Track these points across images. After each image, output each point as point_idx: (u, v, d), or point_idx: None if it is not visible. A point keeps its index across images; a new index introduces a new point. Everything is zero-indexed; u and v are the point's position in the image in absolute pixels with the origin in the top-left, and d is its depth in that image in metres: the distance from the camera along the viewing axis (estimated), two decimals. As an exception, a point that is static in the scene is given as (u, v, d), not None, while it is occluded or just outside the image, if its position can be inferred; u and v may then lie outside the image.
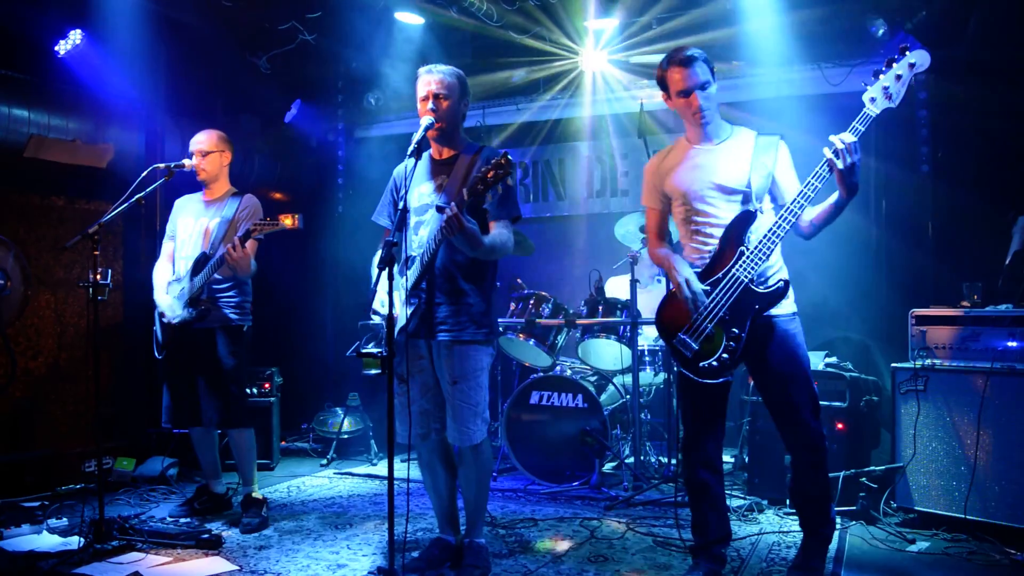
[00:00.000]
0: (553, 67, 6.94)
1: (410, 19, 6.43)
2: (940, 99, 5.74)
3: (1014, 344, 4.15)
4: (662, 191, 3.58)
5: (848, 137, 3.12)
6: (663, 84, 3.48)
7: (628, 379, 5.66)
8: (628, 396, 5.68)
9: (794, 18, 5.73)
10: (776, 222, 3.26)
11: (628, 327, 5.54)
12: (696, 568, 3.51)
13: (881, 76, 3.15)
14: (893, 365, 4.50)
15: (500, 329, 5.14)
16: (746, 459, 5.17)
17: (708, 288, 3.33)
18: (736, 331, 3.28)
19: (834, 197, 3.26)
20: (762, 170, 3.38)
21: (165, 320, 4.59)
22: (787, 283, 3.31)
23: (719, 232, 3.39)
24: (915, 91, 5.88)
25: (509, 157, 3.22)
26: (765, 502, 4.77)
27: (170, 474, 5.57)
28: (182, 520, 4.56)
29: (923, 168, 5.83)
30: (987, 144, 5.47)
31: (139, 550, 4.05)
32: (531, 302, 5.74)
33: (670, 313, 3.48)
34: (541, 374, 5.68)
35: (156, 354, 4.71)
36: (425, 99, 3.57)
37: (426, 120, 3.53)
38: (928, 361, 4.36)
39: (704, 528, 3.52)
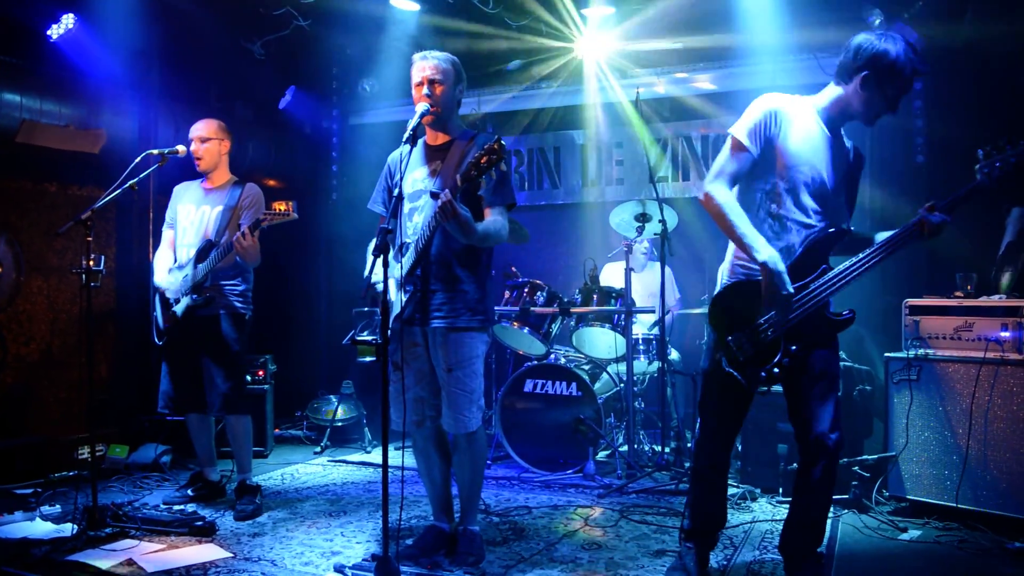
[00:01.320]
0: (549, 55, 6.93)
1: (405, 5, 6.40)
2: (935, 90, 5.74)
3: (1007, 334, 4.16)
4: (772, 141, 3.14)
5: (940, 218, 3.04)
6: (896, 72, 3.05)
7: (622, 368, 5.67)
8: (622, 385, 5.69)
9: (790, 7, 5.71)
10: (863, 259, 3.08)
11: (622, 315, 5.54)
12: (689, 552, 3.46)
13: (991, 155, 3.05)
14: (886, 354, 4.52)
15: (495, 316, 5.13)
16: (739, 448, 5.18)
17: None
18: (795, 348, 3.07)
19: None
20: (851, 184, 3.28)
21: (170, 302, 4.58)
22: (854, 314, 3.12)
23: (799, 227, 3.16)
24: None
25: (503, 142, 3.20)
26: (758, 490, 4.79)
27: (163, 461, 5.56)
28: (176, 507, 4.56)
29: (918, 158, 5.83)
30: (982, 135, 5.45)
31: (133, 537, 4.04)
32: (526, 290, 5.74)
33: (734, 306, 3.19)
34: (535, 362, 5.68)
35: (156, 340, 4.69)
36: (420, 85, 3.56)
37: (421, 107, 3.52)
38: (921, 351, 4.38)
39: (701, 515, 3.46)
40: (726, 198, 3.11)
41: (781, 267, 3.02)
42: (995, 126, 5.17)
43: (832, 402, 3.18)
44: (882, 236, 3.16)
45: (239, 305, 4.63)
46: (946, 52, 5.47)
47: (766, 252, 3.03)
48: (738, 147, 3.14)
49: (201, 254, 4.49)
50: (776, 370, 3.07)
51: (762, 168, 3.17)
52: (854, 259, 3.10)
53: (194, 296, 4.48)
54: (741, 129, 3.14)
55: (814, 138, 3.17)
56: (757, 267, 3.06)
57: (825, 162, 3.17)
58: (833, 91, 3.21)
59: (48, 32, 5.53)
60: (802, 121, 3.16)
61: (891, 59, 3.03)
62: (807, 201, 3.16)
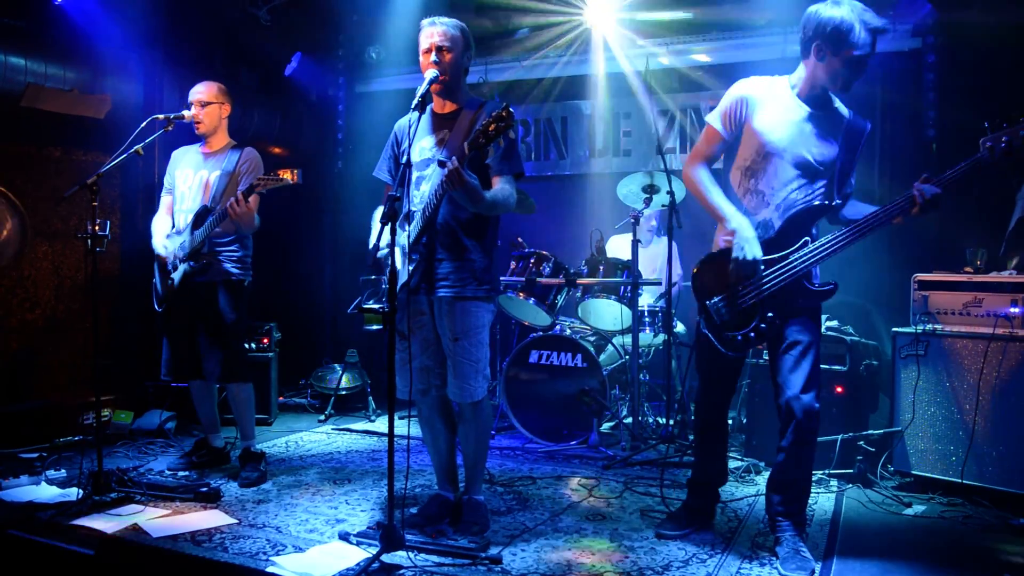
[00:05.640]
0: (558, 23, 6.86)
1: (412, -29, 6.34)
2: (948, 62, 5.67)
3: (1016, 310, 4.13)
4: (744, 124, 3.33)
5: (933, 190, 3.10)
6: (843, 36, 3.10)
7: (627, 339, 5.66)
8: (627, 356, 5.68)
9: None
10: (849, 231, 3.18)
11: (629, 287, 5.52)
12: (686, 501, 3.81)
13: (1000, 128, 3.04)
14: (894, 329, 4.49)
15: (501, 287, 5.11)
16: (744, 421, 5.18)
17: (764, 262, 3.25)
18: (772, 315, 3.24)
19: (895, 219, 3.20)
20: (847, 156, 3.28)
21: (168, 269, 4.56)
22: (837, 286, 3.25)
23: (777, 202, 3.31)
24: (923, 54, 5.82)
25: (510, 109, 3.16)
26: (762, 464, 4.78)
27: (168, 427, 5.58)
28: (180, 473, 4.56)
29: (928, 132, 5.77)
30: (994, 108, 5.38)
31: (138, 502, 4.06)
32: (531, 261, 5.71)
33: (712, 273, 3.41)
34: (540, 333, 5.67)
35: (156, 307, 4.68)
36: (428, 51, 3.51)
37: (430, 73, 3.47)
38: (929, 326, 4.36)
39: (698, 466, 3.78)
40: (700, 174, 3.39)
41: (749, 233, 3.23)
42: (1006, 96, 5.12)
43: (805, 369, 3.25)
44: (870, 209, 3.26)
45: (237, 271, 4.59)
46: (959, 23, 5.40)
47: (736, 219, 3.27)
48: (712, 132, 3.41)
49: (197, 220, 4.45)
50: (752, 335, 3.26)
51: (739, 149, 3.40)
52: (838, 232, 3.21)
53: (191, 263, 4.45)
54: (715, 117, 3.40)
55: (790, 115, 3.29)
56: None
57: (804, 136, 3.27)
58: (802, 67, 3.32)
59: (52, -7, 5.47)
60: (777, 101, 3.31)
61: (835, 24, 3.12)
62: (785, 175, 3.29)
